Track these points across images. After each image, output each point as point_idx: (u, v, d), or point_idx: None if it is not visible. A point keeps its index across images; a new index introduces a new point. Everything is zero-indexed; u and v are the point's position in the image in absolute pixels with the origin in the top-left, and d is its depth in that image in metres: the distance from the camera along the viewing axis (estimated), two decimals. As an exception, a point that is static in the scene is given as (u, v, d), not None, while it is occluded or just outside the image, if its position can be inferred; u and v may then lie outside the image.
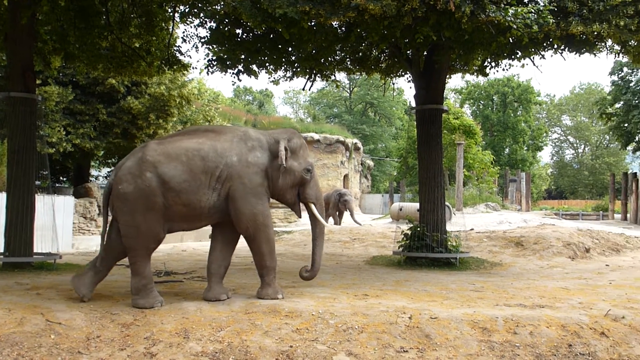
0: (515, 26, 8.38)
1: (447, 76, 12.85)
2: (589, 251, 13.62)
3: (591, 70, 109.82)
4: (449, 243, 11.76)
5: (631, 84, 31.87)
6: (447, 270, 10.86)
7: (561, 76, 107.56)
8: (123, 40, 11.67)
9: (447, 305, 6.66)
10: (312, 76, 12.75)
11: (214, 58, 11.31)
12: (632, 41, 9.89)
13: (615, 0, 8.77)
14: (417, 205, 12.87)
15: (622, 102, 32.43)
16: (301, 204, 7.43)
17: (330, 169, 35.15)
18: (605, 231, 17.19)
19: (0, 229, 10.49)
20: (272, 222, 7.03)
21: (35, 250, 10.36)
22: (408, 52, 11.72)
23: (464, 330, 5.73)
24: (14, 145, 10.06)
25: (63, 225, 16.29)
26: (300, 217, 7.76)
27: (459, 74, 13.83)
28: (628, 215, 34.26)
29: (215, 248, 7.06)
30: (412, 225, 11.91)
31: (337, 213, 23.80)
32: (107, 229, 6.89)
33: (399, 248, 11.86)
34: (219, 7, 9.98)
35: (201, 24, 11.00)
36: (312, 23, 9.61)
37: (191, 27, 11.36)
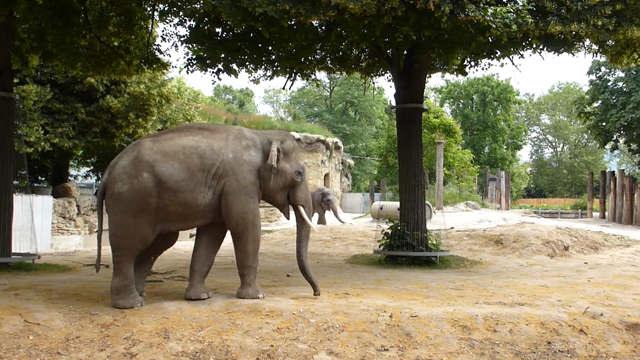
0: (494, 26, 8.42)
1: (427, 75, 12.88)
2: (567, 249, 13.72)
3: (570, 70, 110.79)
4: (430, 242, 11.81)
5: (609, 84, 32.16)
6: (427, 269, 10.90)
7: (540, 75, 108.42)
8: (102, 39, 11.57)
9: (427, 304, 6.68)
10: (293, 75, 12.75)
11: (194, 57, 11.27)
12: (609, 41, 9.98)
13: (593, 0, 8.85)
14: (397, 204, 12.90)
15: (600, 102, 32.72)
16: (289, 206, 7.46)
17: (310, 168, 35.12)
18: (583, 229, 17.35)
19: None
20: (261, 223, 7.01)
21: (13, 251, 10.26)
22: (388, 51, 11.74)
23: (444, 328, 5.75)
24: (-8, 144, 9.94)
25: (41, 225, 16.14)
26: (288, 218, 7.80)
27: (439, 73, 13.88)
28: (606, 213, 34.61)
29: (200, 246, 7.03)
30: (392, 224, 11.93)
31: (321, 212, 23.79)
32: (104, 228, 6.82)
33: (379, 247, 11.88)
34: (198, 6, 9.93)
35: (181, 23, 10.94)
36: (292, 22, 9.59)
37: (171, 25, 11.34)
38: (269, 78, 12.63)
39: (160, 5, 10.84)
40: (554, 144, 72.58)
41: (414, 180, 11.78)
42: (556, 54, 10.80)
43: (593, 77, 33.13)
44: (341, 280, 8.86)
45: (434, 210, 22.03)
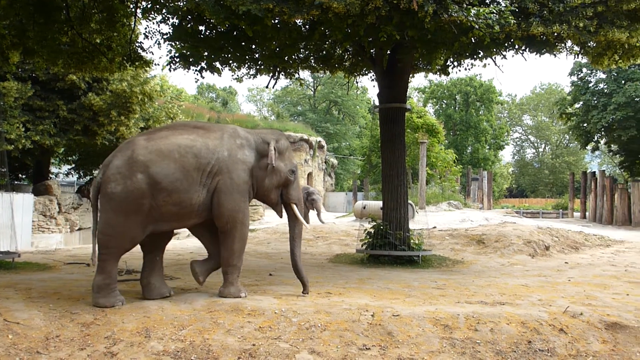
0: (477, 26, 8.45)
1: (411, 75, 12.92)
2: (548, 249, 13.82)
3: (552, 71, 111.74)
4: (412, 241, 11.84)
5: (590, 85, 32.41)
6: (409, 268, 10.92)
7: (522, 76, 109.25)
8: (84, 36, 11.49)
9: (409, 303, 6.70)
10: (276, 74, 12.73)
11: (177, 55, 11.21)
12: (591, 42, 10.06)
13: (575, 2, 8.91)
14: (380, 203, 12.92)
15: (581, 103, 32.96)
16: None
17: (294, 167, 35.11)
18: (564, 229, 17.49)
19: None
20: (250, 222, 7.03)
21: (-7, 249, 10.16)
22: (372, 50, 11.76)
23: (426, 327, 5.77)
24: (-29, 141, 9.85)
25: (22, 224, 16.00)
26: (281, 217, 7.82)
27: (422, 73, 13.92)
28: (587, 213, 34.92)
29: (214, 245, 7.11)
30: (375, 223, 11.95)
31: (305, 211, 23.76)
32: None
33: (362, 246, 11.89)
34: (181, 4, 9.89)
35: (163, 20, 10.87)
36: (276, 20, 9.58)
37: (153, 23, 11.23)
38: (252, 77, 12.61)
39: (143, 3, 10.79)
40: (535, 144, 73.11)
41: (397, 179, 11.80)
42: (538, 55, 10.87)
43: (575, 78, 33.39)
44: (323, 280, 8.86)
45: (416, 210, 22.10)
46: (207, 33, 10.99)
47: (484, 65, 11.91)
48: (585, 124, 32.46)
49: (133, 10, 11.51)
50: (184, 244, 14.89)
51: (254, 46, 11.42)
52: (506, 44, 10.32)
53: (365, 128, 53.03)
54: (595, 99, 31.25)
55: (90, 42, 11.70)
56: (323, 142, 42.27)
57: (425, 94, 59.50)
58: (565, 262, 12.17)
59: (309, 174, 37.67)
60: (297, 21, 9.97)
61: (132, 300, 6.61)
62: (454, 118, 56.08)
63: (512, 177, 66.82)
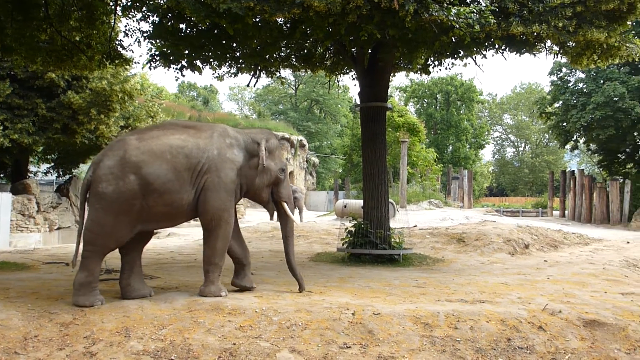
0: (457, 26, 8.48)
1: (392, 74, 12.95)
2: (528, 247, 13.92)
3: (532, 70, 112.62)
4: (393, 240, 11.86)
5: (569, 84, 32.69)
6: (390, 267, 10.95)
7: (503, 76, 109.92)
8: (63, 34, 11.38)
9: (390, 301, 6.71)
10: (257, 72, 12.69)
11: (157, 53, 11.15)
12: (570, 42, 10.13)
13: (554, 2, 8.98)
14: (361, 202, 12.94)
15: (560, 102, 33.24)
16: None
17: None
18: (544, 228, 17.63)
19: None
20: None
21: (-30, 249, 10.06)
22: (353, 49, 11.76)
23: (406, 325, 5.79)
24: (-52, 140, 9.73)
25: (0, 223, 15.85)
26: (272, 215, 7.91)
27: (403, 72, 13.96)
28: (566, 212, 35.28)
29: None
30: (356, 222, 11.97)
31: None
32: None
33: (343, 245, 11.90)
34: (162, 1, 9.84)
35: (144, 18, 10.80)
36: (257, 19, 9.55)
37: (133, 21, 11.16)
38: (233, 75, 12.57)
39: (123, 0, 10.71)
40: (516, 143, 73.64)
41: (378, 178, 11.82)
42: (518, 54, 10.95)
43: (554, 77, 33.66)
44: (304, 278, 8.84)
45: (397, 209, 22.17)
46: (188, 31, 10.94)
47: (465, 65, 11.96)
48: (564, 123, 32.73)
49: (113, 7, 11.42)
50: (164, 243, 14.80)
51: (234, 44, 11.38)
52: (486, 44, 10.37)
53: (347, 127, 53.12)
54: (574, 98, 31.50)
55: (70, 40, 11.60)
56: (304, 141, 42.31)
57: (406, 93, 59.70)
58: (545, 260, 12.26)
59: (291, 173, 37.67)
60: (278, 20, 9.93)
61: (111, 300, 6.57)
62: (435, 117, 56.33)
63: (492, 176, 67.30)
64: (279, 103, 66.69)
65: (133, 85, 21.13)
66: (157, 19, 10.66)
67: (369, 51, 11.60)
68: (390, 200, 14.50)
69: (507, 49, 10.80)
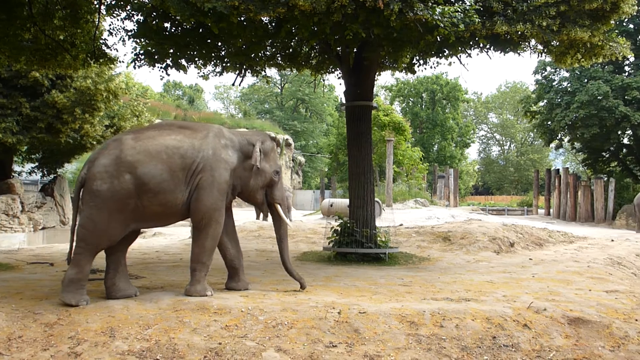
0: (442, 25, 8.51)
1: (377, 73, 12.95)
2: (513, 245, 13.98)
3: (516, 69, 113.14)
4: (379, 238, 11.87)
5: (554, 83, 32.89)
6: (376, 265, 10.97)
7: (488, 75, 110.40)
8: (47, 32, 11.30)
9: (375, 300, 6.73)
10: (242, 72, 12.66)
11: (142, 52, 11.10)
12: (554, 41, 10.19)
13: (538, 1, 9.03)
14: (347, 201, 12.93)
15: (545, 101, 33.43)
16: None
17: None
18: (529, 226, 17.70)
19: None
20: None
21: (-47, 249, 9.98)
22: (338, 48, 11.76)
23: (392, 324, 5.80)
24: None
25: (-17, 223, 15.73)
26: (266, 216, 7.96)
27: (389, 71, 13.97)
28: (551, 210, 35.50)
29: (226, 242, 7.23)
30: (342, 221, 11.98)
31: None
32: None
33: (329, 244, 11.90)
34: (146, 0, 9.79)
35: (128, 17, 10.75)
36: (242, 18, 9.53)
37: (118, 19, 11.10)
38: (218, 74, 12.53)
39: (107, -1, 10.65)
40: (501, 142, 74.00)
41: (364, 177, 11.83)
42: (503, 53, 11.00)
43: (539, 76, 33.86)
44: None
45: (383, 208, 22.19)
46: (173, 30, 10.90)
47: (450, 64, 12.09)
48: (549, 122, 32.90)
49: (97, 6, 11.35)
50: (150, 243, 14.74)
51: (219, 43, 11.35)
52: (471, 43, 10.41)
53: (333, 126, 53.17)
54: (558, 97, 31.69)
55: (54, 39, 11.52)
56: (290, 140, 42.32)
57: (392, 92, 59.87)
58: (530, 259, 12.32)
59: (277, 172, 37.61)
60: (263, 19, 9.93)
61: (96, 300, 6.54)
62: (421, 116, 56.50)
63: (478, 174, 67.58)
64: (264, 102, 66.67)
65: (118, 85, 21.01)
66: (142, 17, 10.61)
67: (354, 50, 11.61)
68: (376, 199, 14.52)
69: (491, 48, 10.85)
